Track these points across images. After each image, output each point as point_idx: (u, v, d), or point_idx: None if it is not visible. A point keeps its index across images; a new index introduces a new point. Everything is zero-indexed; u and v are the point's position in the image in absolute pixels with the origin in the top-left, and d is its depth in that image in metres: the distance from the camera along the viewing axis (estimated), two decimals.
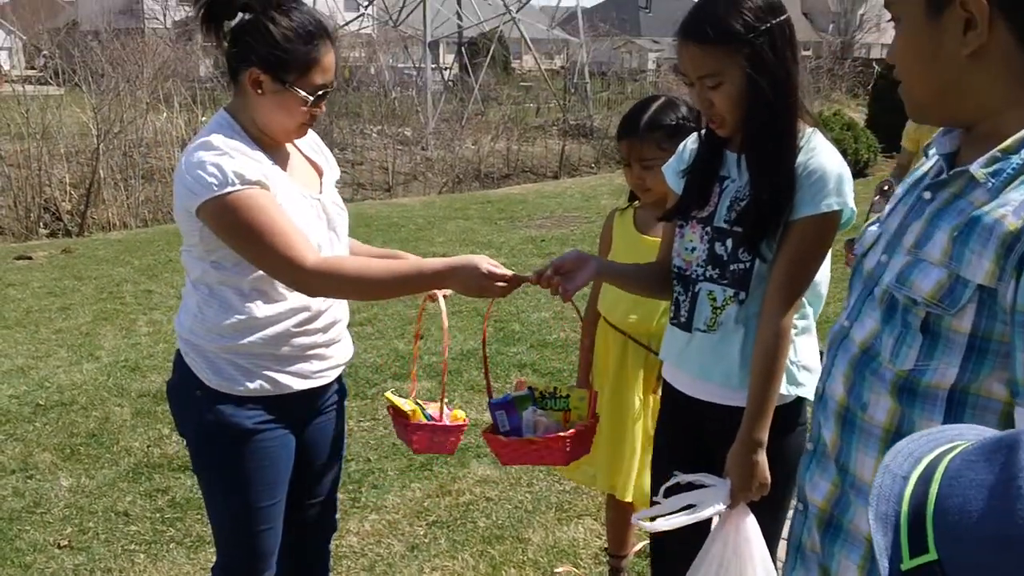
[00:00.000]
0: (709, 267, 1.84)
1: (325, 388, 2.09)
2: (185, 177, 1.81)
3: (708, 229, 1.84)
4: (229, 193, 1.77)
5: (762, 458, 1.78)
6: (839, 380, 1.35)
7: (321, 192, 2.02)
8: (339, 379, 2.15)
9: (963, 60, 1.18)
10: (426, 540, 3.21)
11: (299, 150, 2.05)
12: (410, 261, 1.93)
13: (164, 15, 28.50)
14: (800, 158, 1.74)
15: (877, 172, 11.82)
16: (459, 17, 24.20)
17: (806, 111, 1.80)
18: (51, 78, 13.19)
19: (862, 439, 1.31)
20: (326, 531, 2.27)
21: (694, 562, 1.84)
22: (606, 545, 2.91)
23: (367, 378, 4.80)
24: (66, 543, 3.24)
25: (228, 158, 1.80)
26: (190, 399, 1.97)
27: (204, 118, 11.04)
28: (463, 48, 19.90)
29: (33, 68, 15.86)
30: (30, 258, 8.05)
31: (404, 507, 3.44)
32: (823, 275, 1.87)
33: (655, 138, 2.28)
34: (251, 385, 1.93)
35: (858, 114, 14.98)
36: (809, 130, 1.78)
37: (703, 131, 1.88)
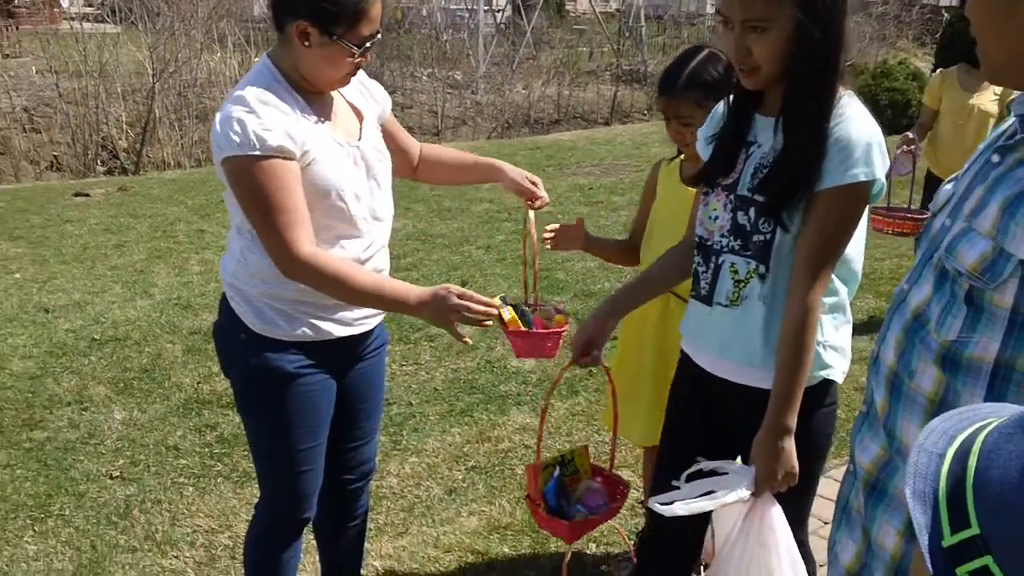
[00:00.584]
0: (732, 237, 1.76)
1: (366, 335, 2.11)
2: (216, 128, 1.82)
3: (732, 197, 1.75)
4: (246, 156, 1.77)
5: (789, 445, 1.68)
6: (891, 345, 1.33)
7: (360, 139, 2.01)
8: (380, 325, 2.16)
9: None
10: (464, 484, 3.26)
11: (342, 95, 2.03)
12: (400, 285, 1.92)
13: None
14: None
15: None
16: None
17: (844, 72, 1.66)
18: (108, 16, 13.25)
19: (907, 406, 1.30)
20: (365, 474, 2.32)
21: (719, 553, 1.79)
22: (642, 497, 2.93)
23: (411, 323, 4.84)
24: (118, 474, 3.37)
25: (255, 117, 1.78)
26: (236, 343, 2.01)
27: (257, 59, 11.04)
28: None
29: (91, 6, 15.96)
30: (87, 195, 8.20)
31: (444, 451, 3.50)
32: (856, 250, 1.77)
33: (693, 96, 2.21)
34: (293, 331, 1.96)
35: (924, 63, 14.37)
36: (842, 93, 1.67)
37: (731, 95, 1.79)
